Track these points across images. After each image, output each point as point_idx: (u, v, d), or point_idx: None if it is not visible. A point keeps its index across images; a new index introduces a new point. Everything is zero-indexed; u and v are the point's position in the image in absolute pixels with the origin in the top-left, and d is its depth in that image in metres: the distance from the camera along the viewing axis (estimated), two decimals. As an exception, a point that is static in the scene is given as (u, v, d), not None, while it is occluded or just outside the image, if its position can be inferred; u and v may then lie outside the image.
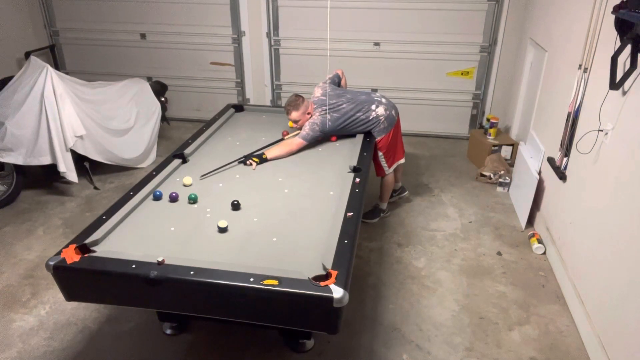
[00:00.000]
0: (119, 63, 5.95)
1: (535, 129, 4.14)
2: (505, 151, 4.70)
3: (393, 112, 3.59)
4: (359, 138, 3.51)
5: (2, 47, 5.38)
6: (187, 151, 3.26)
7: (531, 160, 3.91)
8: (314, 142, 3.41)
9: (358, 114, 3.47)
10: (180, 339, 2.73)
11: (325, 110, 3.41)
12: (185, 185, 2.87)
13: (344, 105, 3.45)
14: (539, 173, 3.72)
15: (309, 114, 3.44)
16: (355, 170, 3.00)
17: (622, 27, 2.43)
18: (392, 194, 4.02)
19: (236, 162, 3.16)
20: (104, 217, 2.46)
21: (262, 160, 3.18)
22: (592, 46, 2.96)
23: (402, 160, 3.86)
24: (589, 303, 2.72)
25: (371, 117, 3.49)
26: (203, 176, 3.00)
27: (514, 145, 4.67)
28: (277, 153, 3.25)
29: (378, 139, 3.55)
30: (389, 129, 3.56)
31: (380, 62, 5.37)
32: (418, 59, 5.28)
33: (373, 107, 3.51)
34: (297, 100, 3.41)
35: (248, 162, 3.16)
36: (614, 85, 2.48)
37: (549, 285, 3.18)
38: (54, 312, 2.95)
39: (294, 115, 3.40)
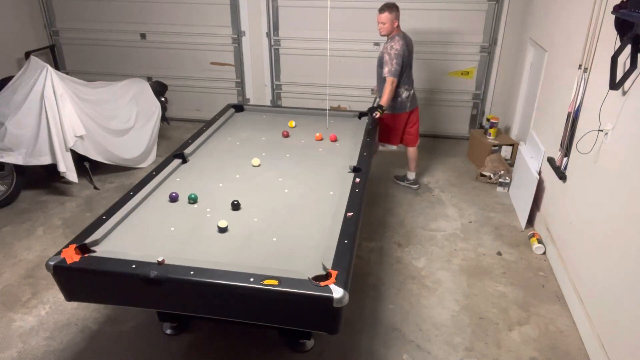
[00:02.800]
0: (119, 63, 5.95)
1: (535, 129, 4.14)
2: (505, 151, 4.70)
3: (408, 105, 4.07)
4: (359, 138, 3.51)
5: (2, 47, 5.38)
6: (187, 151, 3.26)
7: (531, 160, 3.91)
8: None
9: (402, 80, 3.93)
10: (180, 339, 2.73)
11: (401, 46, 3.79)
12: (254, 166, 3.11)
13: (408, 64, 3.94)
14: (539, 173, 3.72)
15: (396, 25, 3.81)
16: (355, 170, 3.00)
17: (622, 27, 2.43)
18: (402, 179, 4.50)
19: (373, 115, 3.80)
20: (104, 217, 2.46)
21: (382, 110, 3.80)
22: (592, 46, 2.96)
23: (394, 147, 4.31)
24: (589, 303, 2.72)
25: (398, 91, 3.95)
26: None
27: (514, 145, 4.67)
28: (387, 97, 3.81)
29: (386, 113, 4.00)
30: (395, 112, 4.05)
31: (380, 62, 5.37)
32: (418, 59, 5.27)
33: (407, 87, 4.00)
34: (395, 6, 3.77)
35: (375, 114, 3.77)
36: (614, 85, 2.48)
37: (549, 285, 3.18)
38: (54, 312, 2.95)
39: (385, 16, 3.74)
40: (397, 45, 3.76)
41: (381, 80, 3.93)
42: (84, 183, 4.44)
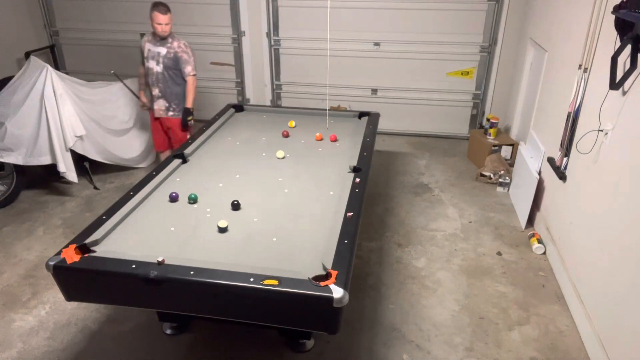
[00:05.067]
0: (119, 63, 5.94)
1: (535, 129, 4.14)
2: (505, 151, 4.70)
3: None
4: (359, 138, 3.51)
5: (2, 47, 5.38)
6: (187, 151, 3.26)
7: (531, 160, 3.91)
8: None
9: None
10: (180, 339, 2.73)
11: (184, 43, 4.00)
12: (279, 158, 3.21)
13: None
14: (539, 173, 3.72)
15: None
16: (355, 170, 3.00)
17: (622, 27, 2.43)
18: None
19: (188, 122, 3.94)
20: (104, 217, 2.46)
21: (191, 114, 3.93)
22: (592, 46, 2.96)
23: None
24: (589, 303, 2.72)
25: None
26: (114, 72, 4.16)
27: (514, 145, 4.67)
28: (191, 97, 3.91)
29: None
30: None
31: (380, 62, 5.37)
32: (418, 59, 5.28)
33: None
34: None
35: (190, 120, 3.91)
36: (614, 85, 2.48)
37: (549, 285, 3.18)
38: (54, 312, 2.95)
39: (169, 17, 3.91)
40: (185, 43, 3.95)
41: (172, 80, 3.92)
42: (84, 183, 4.44)
